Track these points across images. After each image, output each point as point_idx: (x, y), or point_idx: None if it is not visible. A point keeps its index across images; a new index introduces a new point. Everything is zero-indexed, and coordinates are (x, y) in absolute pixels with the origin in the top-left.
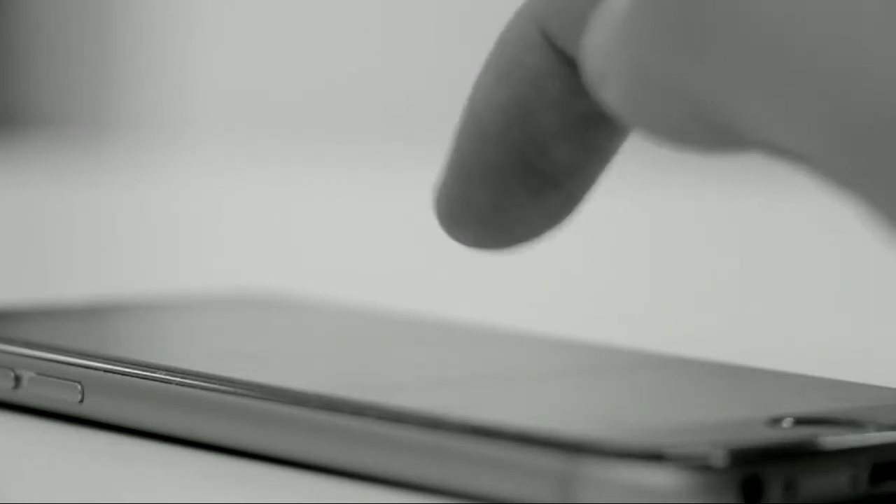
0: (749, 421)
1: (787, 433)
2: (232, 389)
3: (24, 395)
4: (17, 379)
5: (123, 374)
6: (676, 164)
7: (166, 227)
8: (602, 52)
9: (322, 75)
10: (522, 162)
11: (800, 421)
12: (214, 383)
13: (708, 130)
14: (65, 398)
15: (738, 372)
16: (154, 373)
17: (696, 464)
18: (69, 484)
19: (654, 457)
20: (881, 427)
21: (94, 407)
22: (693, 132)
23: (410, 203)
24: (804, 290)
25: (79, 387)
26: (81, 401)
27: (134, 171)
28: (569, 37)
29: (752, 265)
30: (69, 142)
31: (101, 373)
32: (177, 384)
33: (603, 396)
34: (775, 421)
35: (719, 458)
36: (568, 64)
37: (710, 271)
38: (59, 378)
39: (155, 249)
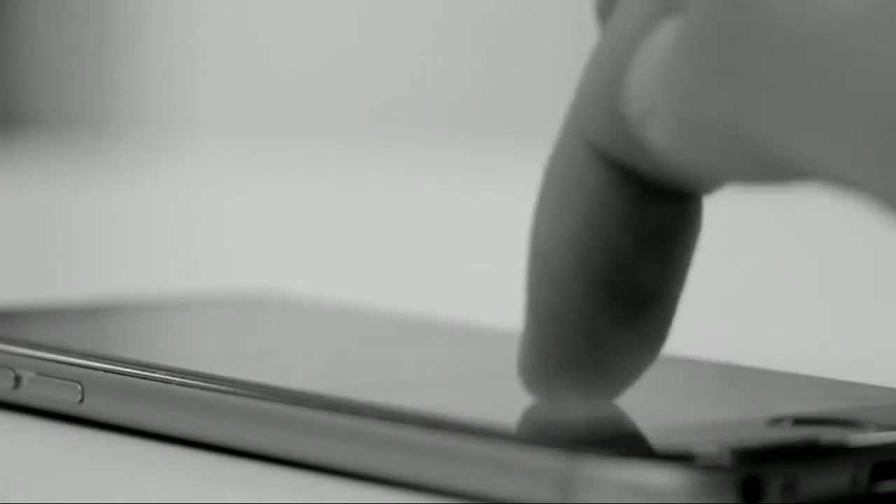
0: (749, 421)
1: (787, 433)
2: (232, 389)
3: (24, 395)
4: (17, 379)
5: (123, 374)
6: None
7: (166, 227)
8: (645, 88)
9: (322, 76)
10: (607, 289)
11: (800, 421)
12: (214, 383)
13: (757, 165)
14: (65, 398)
15: (738, 372)
16: (154, 373)
17: (696, 464)
18: (69, 484)
19: (654, 457)
20: (881, 427)
21: (94, 407)
22: (741, 167)
23: (410, 203)
24: (804, 290)
25: (79, 387)
26: (81, 401)
27: (134, 171)
28: (622, 144)
29: (752, 265)
30: (69, 142)
31: (101, 373)
32: (177, 384)
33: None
34: (775, 421)
35: (719, 458)
36: (627, 175)
37: (711, 271)
38: (59, 378)
39: (155, 249)
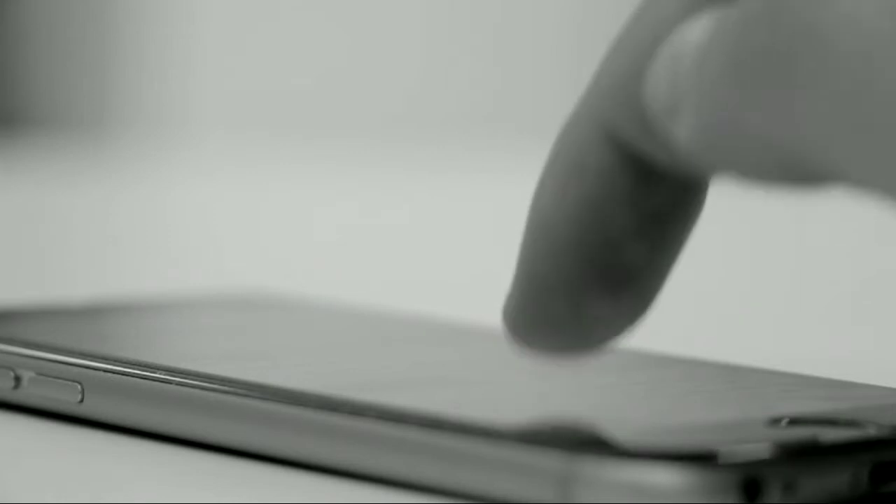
0: (749, 421)
1: (787, 433)
2: (232, 389)
3: (24, 395)
4: (17, 379)
5: (123, 374)
6: None
7: (166, 227)
8: (673, 84)
9: (322, 75)
10: (597, 264)
11: (800, 421)
12: (214, 383)
13: (786, 169)
14: (65, 398)
15: (738, 372)
16: (154, 373)
17: (696, 464)
18: (69, 484)
19: (653, 457)
20: (881, 427)
21: (94, 407)
22: (770, 171)
23: (410, 203)
24: (804, 290)
25: (79, 387)
26: (81, 401)
27: (134, 171)
28: (638, 132)
29: (752, 265)
30: (69, 142)
31: (101, 373)
32: (177, 384)
33: (602, 396)
34: (775, 421)
35: (719, 458)
36: (635, 159)
37: (711, 271)
38: (59, 378)
39: (155, 249)
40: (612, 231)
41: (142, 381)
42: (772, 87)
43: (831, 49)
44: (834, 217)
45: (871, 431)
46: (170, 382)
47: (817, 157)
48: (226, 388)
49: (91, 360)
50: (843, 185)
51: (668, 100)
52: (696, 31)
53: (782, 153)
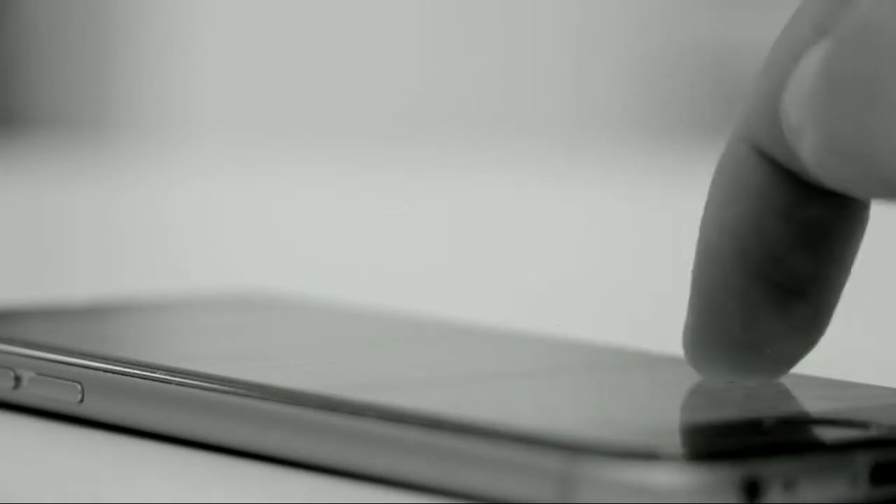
0: (749, 421)
1: (787, 433)
2: (231, 389)
3: (24, 395)
4: (17, 379)
5: (123, 374)
6: (676, 164)
7: (166, 227)
8: (798, 106)
9: (322, 75)
10: (764, 279)
11: (800, 421)
12: (214, 383)
13: (887, 187)
14: (65, 398)
15: None
16: (154, 373)
17: (695, 463)
18: (69, 484)
19: (653, 457)
20: (881, 427)
21: (94, 407)
22: (874, 188)
23: (410, 203)
24: None
25: (79, 387)
26: (81, 401)
27: (134, 171)
28: (780, 146)
29: None
30: (69, 142)
31: (101, 373)
32: (177, 384)
33: (602, 396)
34: (775, 421)
35: (719, 458)
36: (788, 174)
37: None
38: (59, 378)
39: (154, 249)
40: (773, 244)
41: (142, 381)
42: (862, 106)
43: None
44: None
45: (871, 431)
46: (170, 382)
47: None
48: (226, 388)
49: (91, 360)
50: None
51: (795, 122)
52: (814, 59)
53: (880, 170)
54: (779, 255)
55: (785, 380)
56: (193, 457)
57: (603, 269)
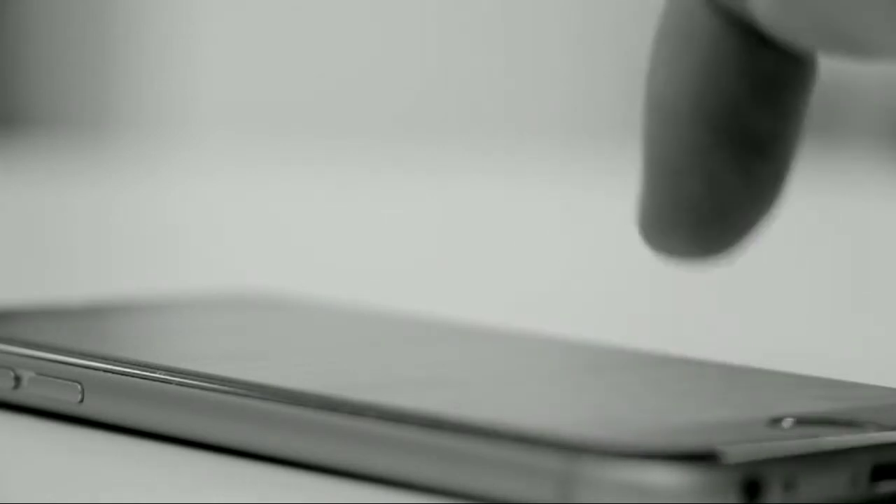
0: (749, 421)
1: (787, 433)
2: (232, 389)
3: (24, 395)
4: (17, 379)
5: (123, 374)
6: None
7: (166, 227)
8: None
9: (322, 75)
10: (722, 134)
11: (800, 421)
12: (214, 383)
13: (834, 38)
14: (65, 398)
15: (738, 372)
16: (154, 373)
17: (696, 464)
18: (69, 484)
19: (653, 457)
20: (881, 427)
21: (94, 407)
22: (825, 40)
23: (410, 203)
24: (805, 290)
25: (79, 387)
26: (81, 401)
27: (133, 171)
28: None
29: (752, 265)
30: (69, 142)
31: (101, 373)
32: (177, 384)
33: (602, 396)
34: (775, 421)
35: (719, 458)
36: (739, 23)
37: (711, 271)
38: (59, 378)
39: (154, 249)
40: (729, 96)
41: (142, 381)
42: None
43: None
44: (834, 217)
45: (871, 431)
46: (170, 382)
47: (854, 26)
48: (226, 388)
49: (91, 360)
50: (884, 56)
51: None
52: None
53: (829, 18)
54: (736, 108)
55: (785, 380)
56: (193, 457)
57: (603, 269)
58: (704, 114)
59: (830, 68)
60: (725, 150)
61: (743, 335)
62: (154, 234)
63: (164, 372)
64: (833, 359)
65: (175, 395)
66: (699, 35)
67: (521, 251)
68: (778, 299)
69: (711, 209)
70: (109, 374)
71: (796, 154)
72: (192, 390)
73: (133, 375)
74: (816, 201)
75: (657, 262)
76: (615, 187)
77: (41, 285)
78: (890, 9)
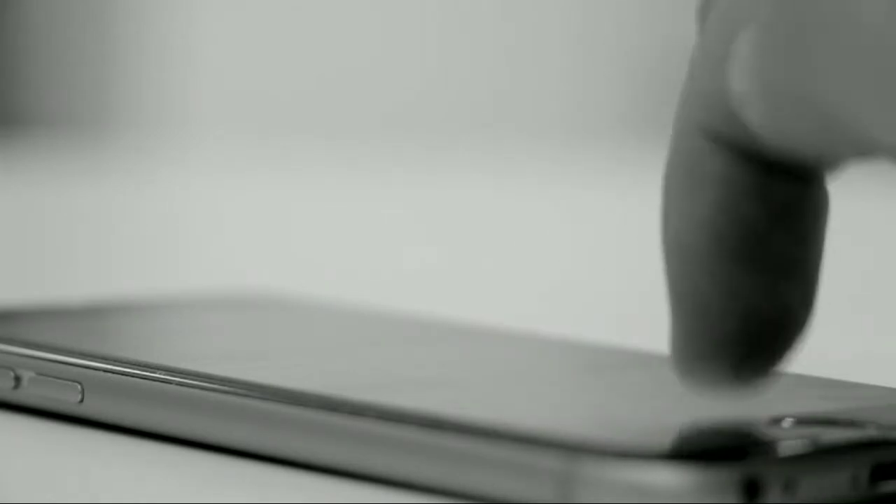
0: (749, 421)
1: (787, 433)
2: (232, 389)
3: (24, 395)
4: (17, 379)
5: (123, 374)
6: None
7: (166, 227)
8: (740, 79)
9: (322, 75)
10: (746, 261)
11: (800, 421)
12: (214, 383)
13: (836, 139)
14: (65, 398)
15: None
16: (154, 373)
17: (695, 464)
18: (69, 484)
19: (653, 457)
20: (881, 427)
21: (94, 407)
22: (825, 141)
23: (410, 202)
24: None
25: (79, 387)
26: (81, 401)
27: (134, 171)
28: (736, 126)
29: None
30: (69, 142)
31: (101, 373)
32: (177, 384)
33: (602, 396)
34: (775, 421)
35: (719, 459)
36: (747, 156)
37: None
38: (59, 378)
39: (155, 249)
40: (749, 224)
41: (142, 381)
42: (798, 56)
43: (846, 30)
44: (834, 217)
45: (871, 431)
46: (170, 382)
47: (852, 123)
48: (226, 388)
49: (91, 360)
50: (884, 154)
51: (739, 90)
52: (750, 27)
53: (824, 120)
54: (757, 236)
55: (785, 380)
56: (193, 457)
57: (603, 270)
58: (726, 246)
59: None
60: (754, 277)
61: None
62: (154, 234)
63: (164, 372)
64: (833, 359)
65: (175, 395)
66: (710, 172)
67: (521, 251)
68: None
69: (748, 341)
70: (109, 374)
71: (820, 273)
72: (192, 390)
73: (133, 375)
74: None
75: (657, 263)
76: (615, 187)
77: (41, 285)
78: (878, 92)
